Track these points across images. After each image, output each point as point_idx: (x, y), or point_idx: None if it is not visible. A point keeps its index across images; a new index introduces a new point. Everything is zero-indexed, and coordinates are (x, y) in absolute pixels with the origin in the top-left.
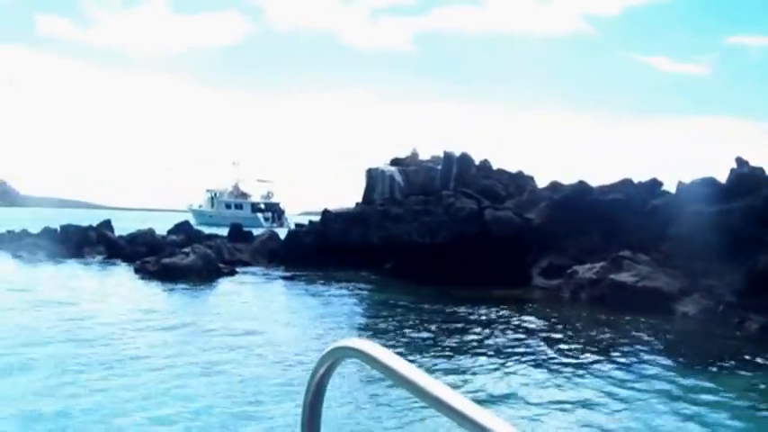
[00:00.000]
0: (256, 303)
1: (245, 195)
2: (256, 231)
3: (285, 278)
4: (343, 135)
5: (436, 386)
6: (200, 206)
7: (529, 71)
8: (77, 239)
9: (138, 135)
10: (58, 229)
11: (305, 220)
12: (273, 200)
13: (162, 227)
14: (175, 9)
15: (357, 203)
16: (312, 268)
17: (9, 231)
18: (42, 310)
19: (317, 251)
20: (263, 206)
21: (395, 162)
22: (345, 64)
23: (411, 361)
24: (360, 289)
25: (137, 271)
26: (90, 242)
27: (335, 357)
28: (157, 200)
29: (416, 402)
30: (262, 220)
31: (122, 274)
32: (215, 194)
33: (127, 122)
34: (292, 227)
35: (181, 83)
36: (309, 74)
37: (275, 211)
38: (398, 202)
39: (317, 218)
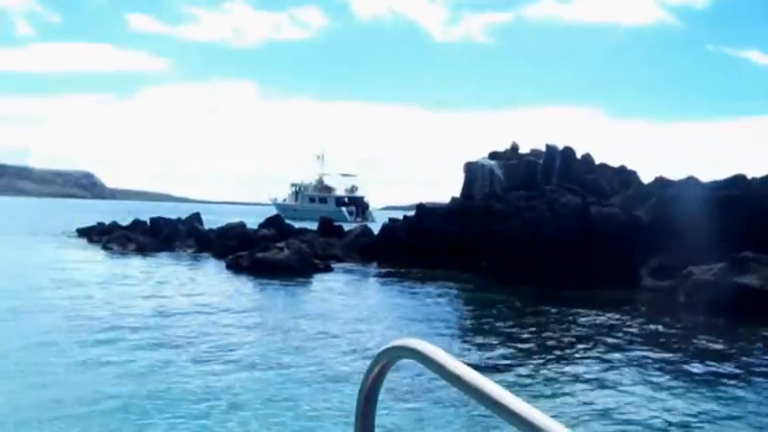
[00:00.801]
0: (353, 302)
1: (329, 189)
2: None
3: (380, 275)
4: (425, 129)
5: (493, 388)
6: (284, 200)
7: (612, 63)
8: (168, 232)
9: (222, 129)
10: (148, 221)
11: (388, 216)
12: (357, 194)
13: (246, 221)
14: (256, 5)
15: (453, 198)
16: (407, 265)
17: (99, 224)
18: (137, 303)
19: (411, 247)
20: (347, 200)
21: (493, 156)
22: (427, 56)
23: (510, 369)
24: (457, 288)
25: (229, 266)
26: (180, 235)
27: (390, 357)
28: (240, 194)
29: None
30: (346, 214)
31: (213, 268)
32: (299, 188)
33: (211, 117)
34: (376, 221)
35: (266, 77)
36: (392, 67)
37: (359, 205)
38: (499, 197)
39: (399, 213)
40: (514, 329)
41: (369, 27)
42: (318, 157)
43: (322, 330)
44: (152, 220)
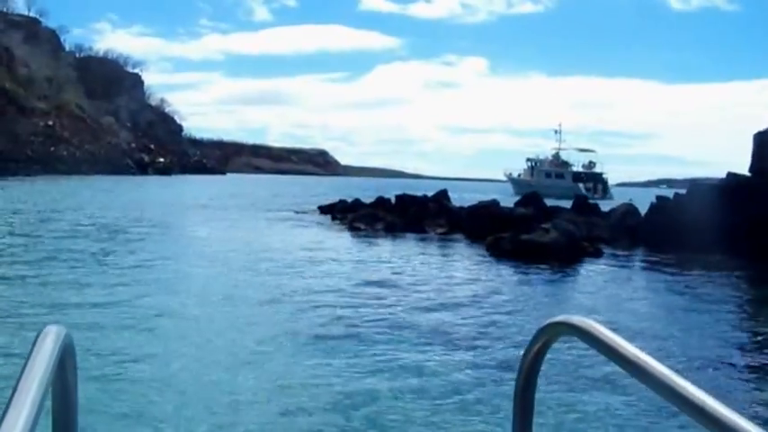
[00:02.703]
0: (645, 302)
1: (565, 165)
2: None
3: (656, 263)
4: (661, 104)
5: (665, 371)
6: (519, 175)
7: None
8: (416, 211)
9: (454, 106)
10: (393, 199)
11: (624, 193)
12: (595, 170)
13: (480, 197)
14: None
15: (729, 173)
16: (682, 249)
17: (341, 201)
18: (409, 296)
19: (687, 230)
20: (584, 176)
21: None
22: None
23: None
24: (752, 284)
25: (489, 248)
26: (429, 214)
27: (551, 334)
28: (472, 170)
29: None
30: (583, 190)
31: (469, 250)
32: (535, 163)
33: (442, 94)
34: (614, 198)
35: (497, 53)
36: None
37: (597, 182)
38: None
39: (636, 190)
40: None
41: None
42: (555, 132)
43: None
44: (398, 197)
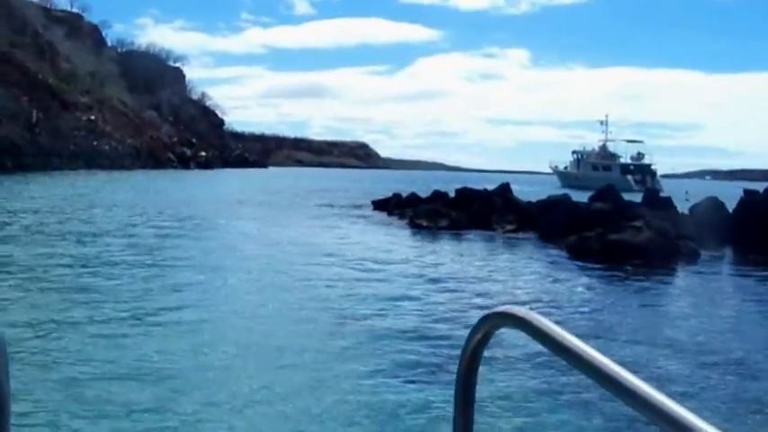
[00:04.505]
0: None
1: (613, 156)
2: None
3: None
4: (706, 94)
5: (600, 359)
6: (565, 168)
7: None
8: (480, 206)
9: (495, 98)
10: (452, 193)
11: (670, 183)
12: (644, 161)
13: (527, 190)
14: None
15: None
16: None
17: (395, 195)
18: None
19: None
20: (632, 168)
21: None
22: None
23: None
24: None
25: (571, 249)
26: (495, 209)
27: (490, 325)
28: (514, 162)
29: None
30: (632, 182)
31: (550, 254)
32: (581, 155)
33: (484, 86)
34: (664, 191)
35: (539, 44)
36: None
37: (647, 173)
38: None
39: (682, 181)
40: None
41: None
42: (601, 123)
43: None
44: (458, 191)
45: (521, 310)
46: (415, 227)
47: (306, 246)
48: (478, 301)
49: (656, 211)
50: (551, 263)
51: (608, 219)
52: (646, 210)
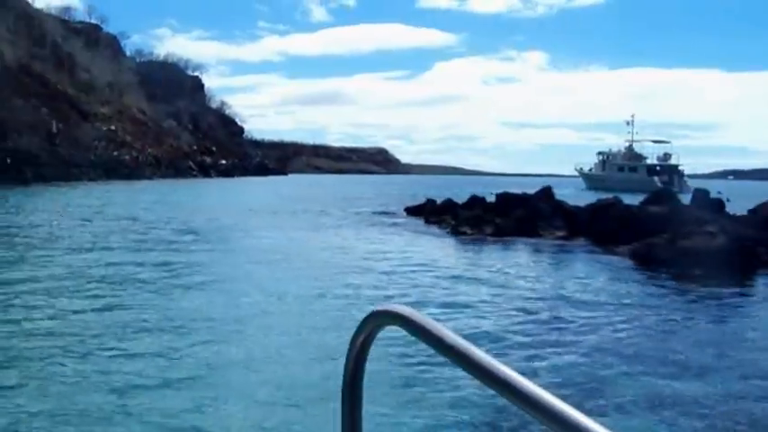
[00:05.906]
0: None
1: (639, 157)
2: None
3: None
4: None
5: (480, 355)
6: (590, 169)
7: None
8: (524, 212)
9: (513, 101)
10: (491, 197)
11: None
12: (671, 162)
13: (559, 193)
14: None
15: None
16: None
17: (429, 201)
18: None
19: None
20: (658, 168)
21: None
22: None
23: None
24: None
25: (636, 257)
26: (542, 215)
27: (374, 324)
28: (530, 165)
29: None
30: (658, 183)
31: (611, 262)
32: (607, 157)
33: (502, 89)
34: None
35: (557, 47)
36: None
37: (674, 174)
38: None
39: (705, 182)
40: None
41: None
42: (627, 123)
43: None
44: (499, 196)
45: (403, 308)
46: (457, 233)
47: (349, 254)
48: (593, 339)
49: (713, 215)
50: (621, 275)
51: (667, 223)
52: (703, 213)
